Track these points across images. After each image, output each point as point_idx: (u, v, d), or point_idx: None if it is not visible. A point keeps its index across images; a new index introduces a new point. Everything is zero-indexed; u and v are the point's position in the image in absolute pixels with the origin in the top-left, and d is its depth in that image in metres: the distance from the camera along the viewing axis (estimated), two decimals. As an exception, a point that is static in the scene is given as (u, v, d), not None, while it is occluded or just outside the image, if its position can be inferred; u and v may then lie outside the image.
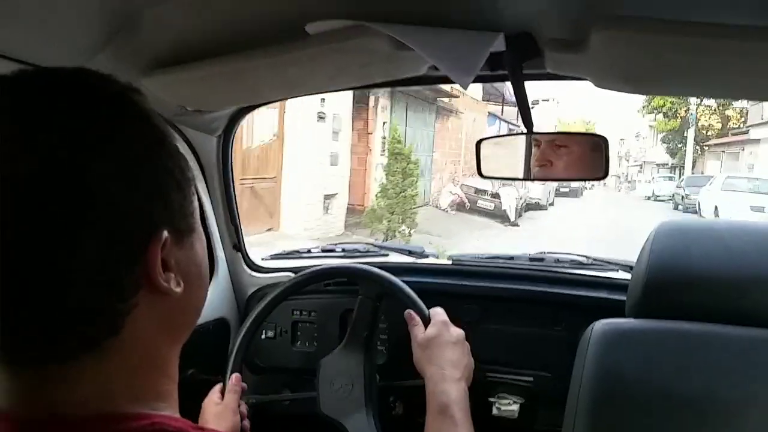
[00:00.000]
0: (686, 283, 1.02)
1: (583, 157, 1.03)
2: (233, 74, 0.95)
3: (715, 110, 29.49)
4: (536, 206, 17.56)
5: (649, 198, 27.05)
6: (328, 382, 1.39)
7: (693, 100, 26.04)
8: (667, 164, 35.07)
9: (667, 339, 1.00)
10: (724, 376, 0.94)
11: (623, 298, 1.16)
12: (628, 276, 1.43)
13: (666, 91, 0.99)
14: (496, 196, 14.31)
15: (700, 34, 0.72)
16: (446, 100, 16.45)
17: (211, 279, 1.57)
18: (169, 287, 0.49)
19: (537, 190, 17.43)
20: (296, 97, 1.30)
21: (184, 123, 1.34)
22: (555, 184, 17.73)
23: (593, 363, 1.00)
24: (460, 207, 14.74)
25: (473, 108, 19.27)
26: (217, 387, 1.27)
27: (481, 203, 14.74)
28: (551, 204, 20.07)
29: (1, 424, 0.47)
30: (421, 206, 13.19)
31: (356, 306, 1.43)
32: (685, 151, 30.11)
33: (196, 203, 0.55)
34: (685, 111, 29.16)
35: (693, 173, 26.07)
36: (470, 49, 0.84)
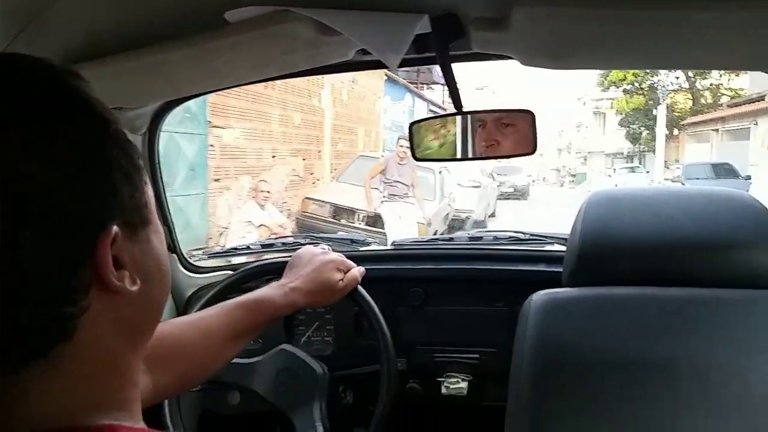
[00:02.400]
0: (617, 249, 1.05)
1: (515, 134, 1.05)
2: (152, 68, 0.91)
3: (679, 87, 24.83)
4: (467, 223, 10.51)
5: (609, 195, 23.42)
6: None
7: (663, 70, 21.68)
8: (621, 153, 31.58)
9: (603, 304, 1.03)
10: (661, 337, 0.98)
11: (561, 269, 1.18)
12: (564, 248, 1.47)
13: (593, 65, 1.01)
14: (374, 220, 7.55)
15: (624, 6, 0.73)
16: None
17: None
18: (123, 285, 0.46)
19: (467, 198, 10.54)
20: (220, 89, 1.26)
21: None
22: (496, 185, 14.77)
23: (533, 334, 1.01)
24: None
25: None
26: (338, 258, 1.16)
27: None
28: (492, 216, 13.29)
29: None
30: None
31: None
32: (649, 135, 25.69)
33: (149, 193, 0.51)
34: (648, 89, 24.75)
35: (666, 161, 22.59)
36: (396, 31, 0.84)
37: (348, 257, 1.23)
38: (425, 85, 22.96)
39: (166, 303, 0.57)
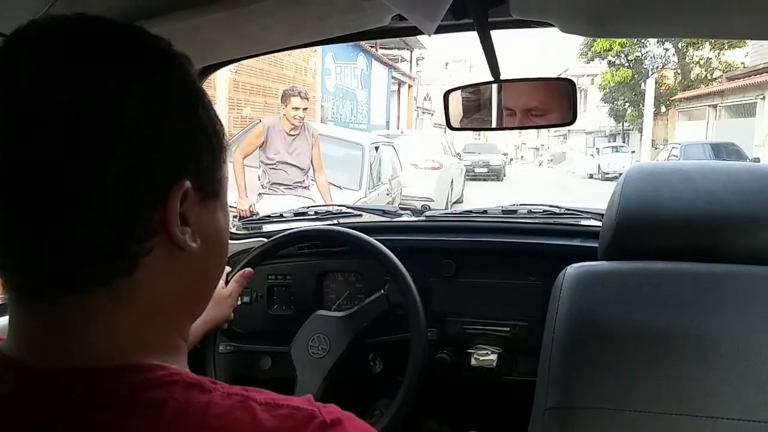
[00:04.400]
0: (655, 223, 1.03)
1: (553, 103, 1.02)
2: (187, 32, 0.91)
3: (667, 60, 23.16)
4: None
5: (593, 176, 21.08)
6: (310, 335, 1.42)
7: (651, 41, 20.97)
8: (602, 131, 30.40)
9: (638, 278, 1.01)
10: (695, 312, 0.96)
11: (596, 245, 1.16)
12: (600, 223, 1.44)
13: (633, 33, 0.99)
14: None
15: None
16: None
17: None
18: (184, 239, 0.48)
19: (425, 182, 8.80)
20: (256, 55, 1.26)
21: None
22: (462, 166, 12.82)
23: (566, 306, 1.00)
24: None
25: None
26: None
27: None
28: (458, 202, 11.25)
29: (12, 374, 0.45)
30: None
31: (373, 297, 1.44)
32: (634, 112, 24.19)
33: (226, 173, 0.55)
34: (635, 61, 23.26)
35: (653, 140, 21.16)
36: None
37: (379, 228, 1.23)
38: (397, 53, 21.09)
39: None
